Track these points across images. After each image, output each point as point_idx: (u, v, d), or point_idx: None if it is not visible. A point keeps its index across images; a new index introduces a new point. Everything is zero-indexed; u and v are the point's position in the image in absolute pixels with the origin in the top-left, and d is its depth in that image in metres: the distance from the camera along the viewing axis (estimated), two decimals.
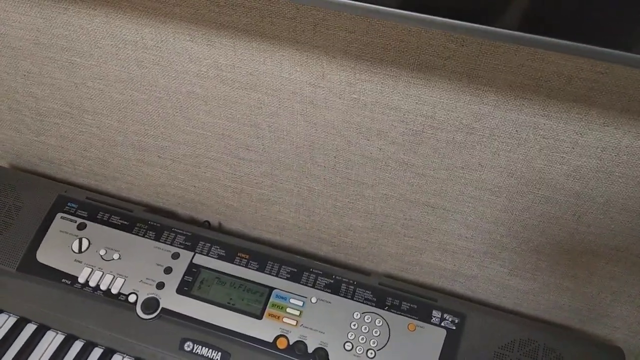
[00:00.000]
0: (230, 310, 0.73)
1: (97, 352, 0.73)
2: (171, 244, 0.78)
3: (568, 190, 0.61)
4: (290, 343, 0.71)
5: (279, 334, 0.71)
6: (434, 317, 0.72)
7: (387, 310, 0.73)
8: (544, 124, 0.55)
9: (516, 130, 0.57)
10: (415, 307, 0.73)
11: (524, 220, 0.67)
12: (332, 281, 0.75)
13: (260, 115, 0.67)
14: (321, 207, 0.79)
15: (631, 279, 0.69)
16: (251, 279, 0.76)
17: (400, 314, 0.72)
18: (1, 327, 0.75)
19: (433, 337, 0.71)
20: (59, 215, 0.81)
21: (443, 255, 0.77)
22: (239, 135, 0.72)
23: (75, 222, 0.80)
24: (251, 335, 0.71)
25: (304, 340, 0.71)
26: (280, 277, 0.76)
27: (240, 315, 0.73)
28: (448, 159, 0.63)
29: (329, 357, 0.70)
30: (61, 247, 0.78)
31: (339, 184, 0.74)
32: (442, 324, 0.72)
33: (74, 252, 0.77)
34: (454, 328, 0.71)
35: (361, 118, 0.62)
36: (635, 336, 0.76)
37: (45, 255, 0.77)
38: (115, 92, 0.73)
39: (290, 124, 0.67)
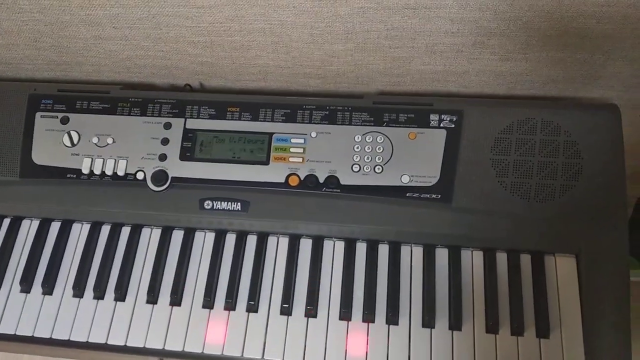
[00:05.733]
0: (237, 163, 0.74)
1: (126, 230, 0.76)
2: (159, 115, 0.77)
3: None
4: (302, 178, 0.73)
5: (289, 173, 0.73)
6: (432, 120, 0.73)
7: (385, 125, 0.74)
8: None
9: None
10: (413, 115, 0.74)
11: None
12: (327, 112, 0.75)
13: None
14: (298, 40, 0.75)
15: (623, 32, 0.67)
16: (248, 130, 0.76)
17: (399, 126, 0.73)
18: (28, 232, 0.78)
19: (434, 139, 0.72)
20: (38, 114, 0.78)
21: (432, 57, 0.75)
22: None
23: (57, 117, 0.78)
24: (263, 180, 0.73)
25: (313, 173, 0.73)
26: (276, 121, 0.76)
27: (247, 166, 0.74)
28: None
29: (340, 182, 0.72)
30: (53, 145, 0.77)
31: (310, 9, 0.69)
32: (441, 125, 0.73)
33: (67, 146, 0.77)
34: (453, 126, 0.72)
35: None
36: (629, 90, 0.77)
37: (41, 156, 0.77)
38: None
39: None
